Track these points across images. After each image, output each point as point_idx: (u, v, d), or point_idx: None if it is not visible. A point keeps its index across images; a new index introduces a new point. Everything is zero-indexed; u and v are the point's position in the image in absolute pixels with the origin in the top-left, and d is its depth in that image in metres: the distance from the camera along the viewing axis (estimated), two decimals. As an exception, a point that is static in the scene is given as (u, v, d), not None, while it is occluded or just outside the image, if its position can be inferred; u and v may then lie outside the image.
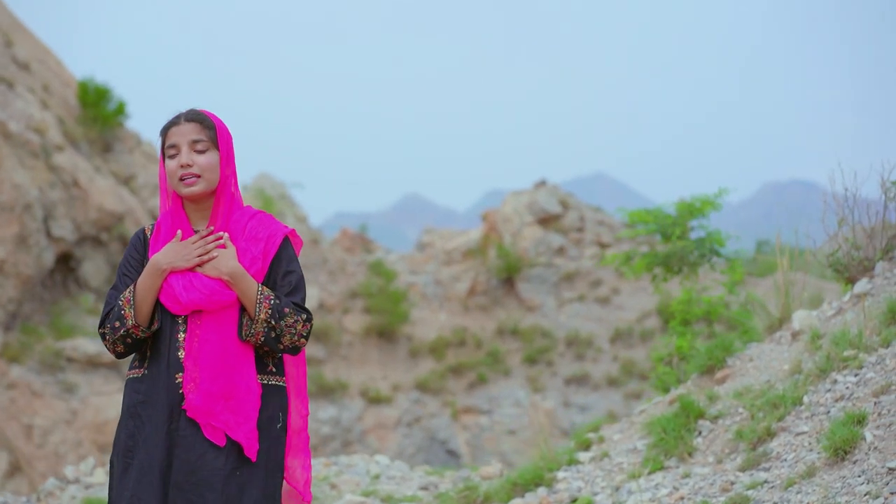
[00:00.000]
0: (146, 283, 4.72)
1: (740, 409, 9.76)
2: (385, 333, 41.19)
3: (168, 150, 4.90)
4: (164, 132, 4.94)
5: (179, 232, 4.76)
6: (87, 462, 11.78)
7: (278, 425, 4.92)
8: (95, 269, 32.45)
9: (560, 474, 10.10)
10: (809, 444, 8.58)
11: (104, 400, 28.68)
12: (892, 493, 7.21)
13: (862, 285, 10.58)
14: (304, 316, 4.87)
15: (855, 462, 7.86)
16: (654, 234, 14.60)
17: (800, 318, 10.70)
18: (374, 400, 38.96)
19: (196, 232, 4.91)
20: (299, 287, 4.92)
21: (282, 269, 4.93)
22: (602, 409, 40.48)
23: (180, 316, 4.80)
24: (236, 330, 4.80)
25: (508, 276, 45.05)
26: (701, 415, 9.91)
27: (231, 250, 4.78)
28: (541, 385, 41.66)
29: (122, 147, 36.29)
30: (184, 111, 4.91)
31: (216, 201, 4.92)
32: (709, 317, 13.84)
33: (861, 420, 8.18)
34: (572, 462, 10.40)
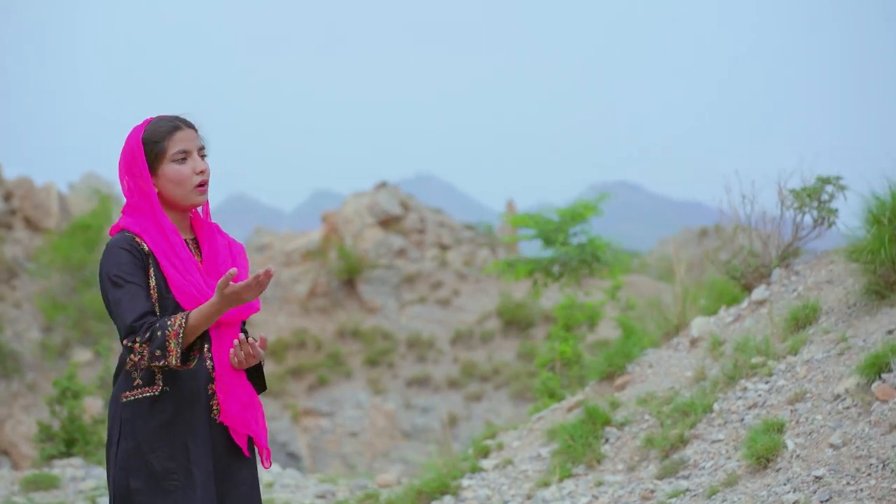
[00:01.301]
0: (206, 318, 4.40)
1: (646, 416, 9.77)
2: (222, 334, 40.71)
3: (177, 154, 4.65)
4: (167, 136, 4.67)
5: (234, 271, 4.32)
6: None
7: None
8: None
9: (465, 482, 10.00)
10: (727, 451, 8.61)
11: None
12: (821, 502, 7.26)
13: (760, 292, 10.69)
14: None
15: (778, 470, 7.90)
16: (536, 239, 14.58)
17: (698, 324, 10.77)
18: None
19: (185, 241, 4.75)
20: None
21: None
22: (443, 411, 40.63)
23: None
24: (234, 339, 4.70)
25: (349, 278, 44.93)
26: (607, 422, 9.89)
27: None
28: (382, 387, 41.62)
29: None
30: (174, 116, 4.73)
31: (205, 212, 4.81)
32: (591, 321, 13.90)
33: (780, 428, 8.24)
34: (475, 469, 10.31)
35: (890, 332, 8.75)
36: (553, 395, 13.08)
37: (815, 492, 7.41)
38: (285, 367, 41.34)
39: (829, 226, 10.67)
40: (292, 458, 38.53)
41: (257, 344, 4.60)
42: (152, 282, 4.57)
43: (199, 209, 4.81)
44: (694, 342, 10.71)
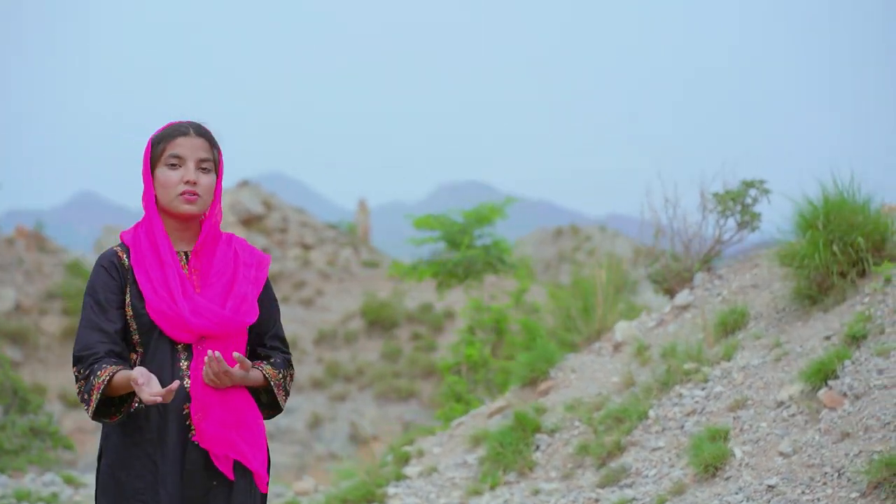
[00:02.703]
0: (126, 383, 4.22)
1: (577, 423, 9.60)
2: (84, 335, 39.86)
3: (170, 158, 4.43)
4: (168, 140, 4.46)
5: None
6: None
7: None
8: None
9: (390, 490, 9.73)
10: (670, 459, 8.48)
11: None
12: (777, 511, 7.16)
13: (683, 297, 10.60)
14: (292, 371, 4.62)
15: (727, 479, 7.78)
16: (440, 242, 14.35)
17: (622, 329, 10.65)
18: (73, 403, 37.60)
19: (178, 253, 4.49)
20: (279, 315, 4.69)
21: (269, 297, 4.61)
22: (307, 412, 40.33)
23: (180, 343, 4.37)
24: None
25: (211, 277, 44.29)
26: (537, 428, 9.70)
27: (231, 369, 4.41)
28: (245, 388, 41.14)
29: None
30: (188, 121, 4.50)
31: (204, 225, 4.52)
32: (497, 325, 13.72)
33: (725, 436, 8.13)
34: (399, 477, 10.05)
35: (827, 337, 8.71)
36: (460, 400, 12.88)
37: (769, 501, 7.31)
38: (146, 369, 40.67)
39: (753, 229, 10.63)
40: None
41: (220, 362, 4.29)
42: (128, 298, 4.41)
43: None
44: (617, 347, 10.59)
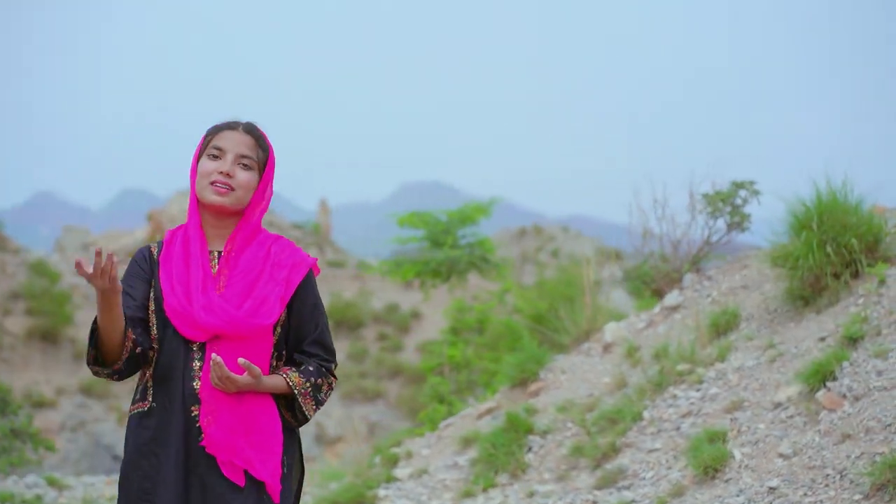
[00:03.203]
0: (100, 313, 4.15)
1: (569, 424, 9.55)
2: (48, 336, 39.61)
3: (212, 149, 4.39)
4: (215, 132, 4.43)
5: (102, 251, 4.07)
6: None
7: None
8: None
9: (381, 492, 9.65)
10: (667, 461, 8.44)
11: None
12: (780, 513, 7.13)
13: (673, 297, 10.57)
14: (331, 380, 4.44)
15: (727, 481, 7.75)
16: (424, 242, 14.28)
17: (611, 330, 10.61)
18: (38, 404, 37.35)
19: (210, 252, 4.43)
20: (323, 320, 4.48)
21: (309, 301, 4.42)
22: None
23: (195, 343, 4.28)
24: (257, 359, 4.29)
25: (176, 277, 44.10)
26: (529, 429, 9.64)
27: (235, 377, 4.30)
28: (212, 389, 40.98)
29: None
30: (244, 122, 4.47)
31: (239, 224, 4.44)
32: (480, 325, 13.65)
33: (723, 437, 8.10)
34: (390, 479, 9.97)
35: (822, 339, 8.70)
36: (443, 401, 12.80)
37: (770, 503, 7.28)
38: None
39: (743, 230, 10.62)
40: (118, 462, 37.59)
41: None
42: (152, 293, 4.36)
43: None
44: (607, 347, 10.55)
